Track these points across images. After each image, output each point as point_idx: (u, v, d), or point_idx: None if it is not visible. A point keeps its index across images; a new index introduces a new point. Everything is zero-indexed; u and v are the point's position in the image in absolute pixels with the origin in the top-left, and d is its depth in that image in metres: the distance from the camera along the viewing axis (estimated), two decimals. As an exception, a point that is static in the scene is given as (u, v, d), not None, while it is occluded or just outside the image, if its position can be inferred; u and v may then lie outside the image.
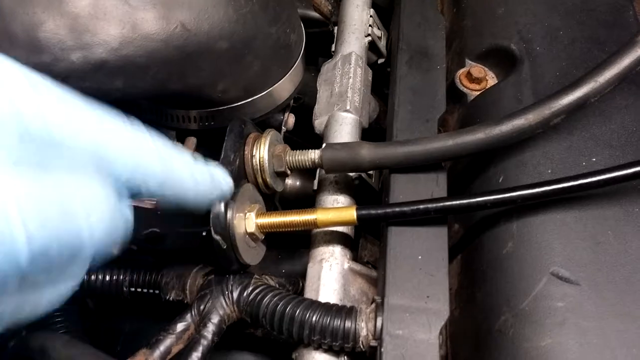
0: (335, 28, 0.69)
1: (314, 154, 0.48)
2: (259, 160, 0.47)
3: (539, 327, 0.37)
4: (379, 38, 0.68)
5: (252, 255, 0.46)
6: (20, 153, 0.24)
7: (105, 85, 0.42)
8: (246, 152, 0.47)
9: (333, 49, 0.67)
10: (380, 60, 0.69)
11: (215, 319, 0.43)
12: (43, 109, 0.26)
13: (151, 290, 0.50)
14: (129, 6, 0.41)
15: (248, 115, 0.54)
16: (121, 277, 0.50)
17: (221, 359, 0.54)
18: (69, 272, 0.27)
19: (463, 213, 0.44)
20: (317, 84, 0.63)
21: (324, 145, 0.48)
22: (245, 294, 0.44)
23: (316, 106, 0.60)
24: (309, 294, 0.45)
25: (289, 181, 0.67)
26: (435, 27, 0.60)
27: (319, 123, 0.59)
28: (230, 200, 0.43)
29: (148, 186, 0.31)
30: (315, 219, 0.44)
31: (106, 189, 0.28)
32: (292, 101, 0.62)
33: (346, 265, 0.46)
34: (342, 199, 0.51)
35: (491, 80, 0.56)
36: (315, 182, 0.54)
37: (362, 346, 0.39)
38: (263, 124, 0.58)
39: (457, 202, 0.41)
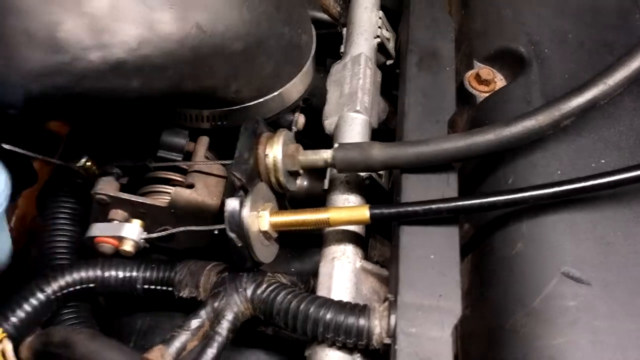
0: (344, 29, 0.70)
1: (326, 154, 0.48)
2: (273, 159, 0.48)
3: (551, 326, 0.37)
4: (388, 40, 0.68)
5: (265, 253, 0.46)
6: None
7: (123, 85, 0.43)
8: (259, 152, 0.48)
9: (342, 50, 0.67)
10: (389, 62, 0.69)
11: (229, 316, 0.44)
12: None
13: (164, 288, 0.50)
14: (147, 7, 0.42)
15: (259, 115, 0.55)
16: (134, 274, 0.51)
17: (232, 357, 0.54)
18: None
19: (475, 213, 0.45)
20: (327, 85, 0.63)
21: (336, 145, 0.49)
22: (259, 291, 0.45)
23: (326, 107, 0.61)
24: (321, 292, 0.46)
25: (296, 181, 0.67)
26: (445, 29, 0.60)
27: (328, 123, 0.59)
28: (245, 198, 0.44)
29: None
30: (328, 218, 0.44)
31: None
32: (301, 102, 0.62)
33: (358, 264, 0.47)
34: (353, 199, 0.51)
35: (499, 82, 0.57)
36: (326, 181, 0.54)
37: (375, 343, 0.40)
38: (273, 124, 0.58)
39: (470, 202, 0.41)
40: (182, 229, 0.50)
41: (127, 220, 0.52)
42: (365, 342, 0.40)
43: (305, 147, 0.51)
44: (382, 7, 0.70)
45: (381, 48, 0.68)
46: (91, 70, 0.41)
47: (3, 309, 0.45)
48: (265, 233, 0.45)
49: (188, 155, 0.55)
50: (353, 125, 0.57)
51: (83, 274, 0.49)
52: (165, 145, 0.54)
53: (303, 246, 0.66)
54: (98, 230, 0.51)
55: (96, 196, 0.51)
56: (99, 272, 0.50)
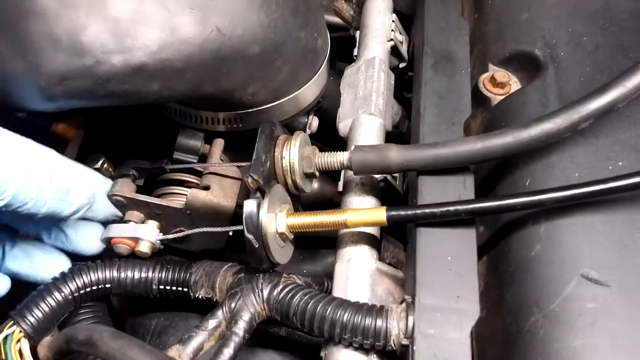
0: (357, 33, 0.70)
1: (342, 156, 0.49)
2: (290, 161, 0.48)
3: (569, 328, 0.37)
4: (401, 42, 0.69)
5: (281, 254, 0.47)
6: None
7: (143, 88, 0.44)
8: (276, 154, 0.48)
9: (355, 53, 0.68)
10: (402, 65, 0.70)
11: (246, 316, 0.44)
12: None
13: (180, 288, 0.51)
14: (168, 11, 0.42)
15: (275, 117, 0.55)
16: (150, 275, 0.51)
17: (245, 358, 0.55)
18: None
19: (493, 214, 0.45)
20: (341, 88, 0.64)
21: (352, 147, 0.49)
22: (275, 292, 0.45)
23: (340, 109, 0.61)
24: (337, 293, 0.46)
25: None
26: (459, 32, 0.61)
27: (343, 126, 0.59)
28: (262, 200, 0.44)
29: None
30: (346, 219, 0.45)
31: None
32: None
33: (374, 266, 0.47)
34: (368, 200, 0.52)
35: (514, 85, 0.57)
36: (340, 183, 0.55)
37: (393, 345, 0.40)
38: (287, 126, 0.58)
39: (488, 203, 0.41)
40: (198, 230, 0.50)
41: (143, 222, 0.53)
42: (383, 343, 0.40)
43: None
44: (395, 11, 0.71)
45: (394, 51, 0.68)
46: (113, 73, 0.41)
47: (21, 309, 0.46)
48: (281, 234, 0.46)
49: (203, 158, 0.56)
50: (368, 127, 0.57)
51: (100, 274, 0.50)
52: (181, 148, 0.54)
53: (314, 247, 0.66)
54: (114, 231, 0.51)
55: (113, 198, 0.51)
56: (115, 273, 0.51)
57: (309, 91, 0.57)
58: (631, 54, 0.54)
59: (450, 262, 0.42)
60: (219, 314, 0.45)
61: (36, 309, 0.46)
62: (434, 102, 0.53)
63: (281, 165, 0.48)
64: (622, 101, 0.43)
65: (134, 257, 0.53)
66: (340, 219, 0.45)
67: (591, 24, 0.57)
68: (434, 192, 0.46)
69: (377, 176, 0.54)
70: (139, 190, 0.54)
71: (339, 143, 0.60)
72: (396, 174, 0.55)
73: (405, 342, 0.39)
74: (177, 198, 0.54)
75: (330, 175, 0.63)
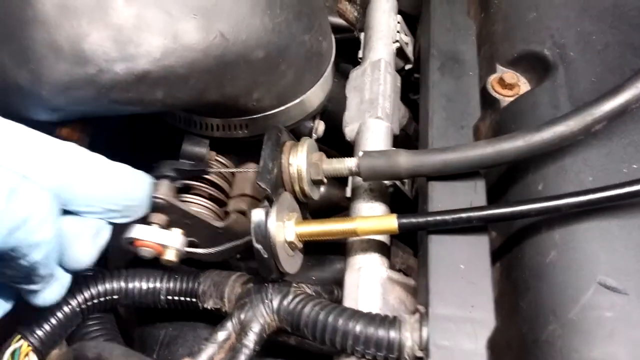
0: (362, 34, 0.69)
1: (350, 162, 0.48)
2: (297, 169, 0.47)
3: (588, 338, 0.36)
4: (407, 44, 0.68)
5: (291, 263, 0.46)
6: None
7: (147, 96, 0.43)
8: (283, 161, 0.48)
9: (360, 55, 0.67)
10: (408, 66, 0.69)
11: (256, 328, 0.43)
12: None
13: (188, 299, 0.50)
14: (171, 17, 0.41)
15: (280, 123, 0.54)
16: (158, 285, 0.50)
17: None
18: None
19: (507, 221, 0.44)
20: (346, 91, 0.63)
21: (360, 153, 0.48)
22: (285, 302, 0.44)
23: (346, 113, 0.60)
24: (347, 302, 0.45)
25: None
26: (466, 33, 0.60)
27: (349, 130, 0.58)
28: (270, 209, 0.43)
29: None
30: (356, 228, 0.44)
31: None
32: (319, 108, 0.62)
33: (385, 274, 0.46)
34: (377, 207, 0.51)
35: (523, 86, 0.56)
36: (348, 189, 0.54)
37: (407, 357, 0.39)
38: (293, 131, 0.58)
39: (502, 210, 0.40)
40: (228, 245, 0.49)
41: (167, 226, 0.49)
42: (396, 355, 0.40)
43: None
44: (399, 11, 0.70)
45: (400, 53, 0.67)
46: (116, 81, 0.41)
47: (28, 322, 0.45)
48: (290, 243, 0.45)
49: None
50: (375, 131, 0.56)
51: (107, 285, 0.49)
52: (185, 155, 0.53)
53: (322, 253, 0.65)
54: (139, 232, 0.47)
55: (155, 200, 0.47)
56: (122, 284, 0.50)
57: (315, 95, 0.57)
58: (642, 52, 0.53)
59: (463, 270, 0.41)
60: (229, 325, 0.44)
61: (44, 323, 0.45)
62: (442, 105, 0.52)
63: (289, 172, 0.48)
64: (636, 102, 0.42)
65: (139, 266, 0.52)
66: (350, 227, 0.44)
67: (600, 23, 0.56)
68: (445, 198, 0.45)
69: (386, 182, 0.53)
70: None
71: (345, 146, 0.59)
72: (405, 180, 0.54)
73: (419, 354, 0.38)
74: (197, 208, 0.52)
75: (337, 178, 0.62)
